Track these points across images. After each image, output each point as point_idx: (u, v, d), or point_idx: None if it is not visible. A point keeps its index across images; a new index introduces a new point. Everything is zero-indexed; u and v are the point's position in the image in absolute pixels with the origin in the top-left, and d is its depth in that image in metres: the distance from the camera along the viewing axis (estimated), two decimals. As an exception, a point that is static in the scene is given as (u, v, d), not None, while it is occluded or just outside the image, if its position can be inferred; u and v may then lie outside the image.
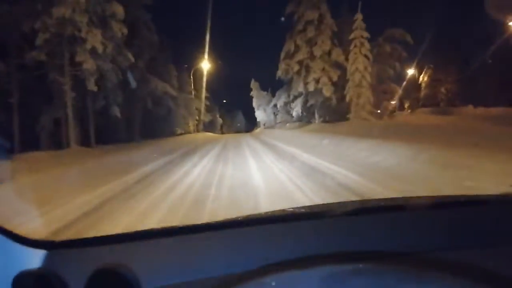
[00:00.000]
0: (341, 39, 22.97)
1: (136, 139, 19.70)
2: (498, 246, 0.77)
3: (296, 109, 25.19)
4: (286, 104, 29.06)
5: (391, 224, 0.87)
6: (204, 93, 41.47)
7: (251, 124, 78.34)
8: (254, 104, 42.47)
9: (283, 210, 1.05)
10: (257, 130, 41.10)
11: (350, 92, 20.96)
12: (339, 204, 1.30)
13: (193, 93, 38.29)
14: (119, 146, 13.46)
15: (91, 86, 10.82)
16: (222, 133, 67.69)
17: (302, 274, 0.57)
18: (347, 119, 21.26)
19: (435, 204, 1.01)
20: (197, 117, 43.59)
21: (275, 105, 38.19)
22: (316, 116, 23.67)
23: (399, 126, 15.78)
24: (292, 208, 1.05)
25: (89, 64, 10.33)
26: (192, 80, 37.60)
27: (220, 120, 65.18)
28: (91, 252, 0.84)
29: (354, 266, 0.56)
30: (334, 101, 22.22)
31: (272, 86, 40.89)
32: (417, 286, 0.47)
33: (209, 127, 58.43)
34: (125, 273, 0.66)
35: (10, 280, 0.69)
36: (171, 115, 26.39)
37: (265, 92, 42.04)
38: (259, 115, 42.36)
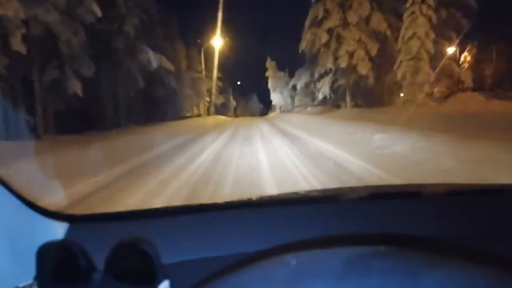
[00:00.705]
0: (381, 3, 18.10)
1: (122, 124, 15.72)
2: None
3: (323, 89, 19.77)
4: (307, 85, 24.45)
5: (405, 210, 0.87)
6: (215, 73, 37.26)
7: (265, 107, 74.03)
8: (270, 85, 37.92)
9: (296, 192, 1.07)
10: (273, 114, 36.72)
11: (402, 67, 15.69)
12: (352, 188, 1.25)
13: (203, 72, 34.16)
14: (79, 137, 9.49)
15: (17, 45, 6.88)
16: (236, 116, 63.74)
17: (322, 254, 0.55)
18: (385, 104, 16.75)
19: (450, 192, 1.01)
20: (208, 99, 39.84)
21: (293, 87, 33.62)
22: (348, 99, 19.01)
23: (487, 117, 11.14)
24: (306, 191, 1.14)
25: (10, 9, 6.36)
26: (203, 58, 33.35)
27: (233, 103, 61.22)
28: (112, 226, 0.85)
29: (374, 248, 0.54)
30: (371, 81, 17.49)
31: (290, 66, 36.07)
32: (440, 270, 0.44)
33: (222, 110, 54.53)
34: (146, 247, 0.65)
35: (34, 252, 0.69)
36: (174, 96, 22.39)
37: (282, 73, 37.38)
38: (275, 97, 37.87)
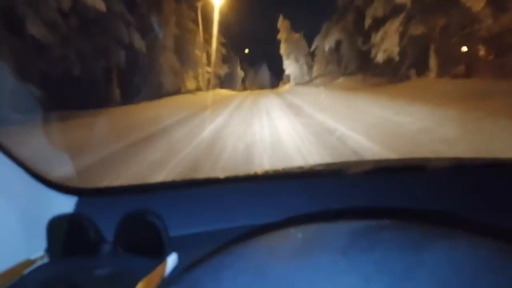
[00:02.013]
0: None
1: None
2: None
3: (385, 45, 10.71)
4: (339, 44, 17.05)
5: (410, 184, 0.86)
6: (215, 36, 30.08)
7: (276, 78, 66.66)
8: (282, 51, 30.53)
9: (301, 167, 1.08)
10: (286, 87, 29.70)
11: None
12: (357, 162, 1.18)
13: (201, 35, 27.05)
14: None
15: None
16: (245, 88, 57.50)
17: (328, 227, 0.54)
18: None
19: (454, 166, 1.00)
20: (208, 69, 33.10)
21: (311, 53, 26.41)
22: (433, 62, 9.97)
23: None
24: (310, 165, 1.11)
25: None
26: (200, 17, 26.16)
27: (241, 74, 54.08)
28: (121, 199, 0.85)
29: (379, 221, 0.54)
30: (488, 25, 8.40)
31: (308, 26, 28.59)
32: (446, 242, 0.45)
33: (227, 81, 47.53)
34: (154, 220, 0.65)
35: (45, 224, 0.69)
36: (149, 64, 15.77)
37: (298, 35, 29.86)
38: (289, 66, 30.59)
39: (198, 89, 30.15)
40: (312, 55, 30.45)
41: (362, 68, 15.71)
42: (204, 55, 33.81)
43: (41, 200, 0.75)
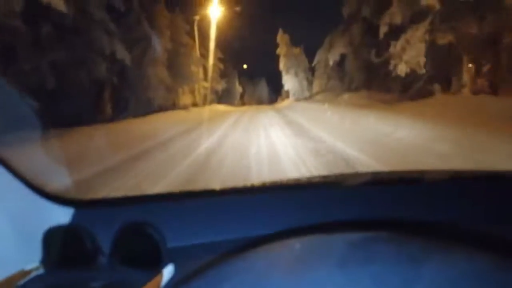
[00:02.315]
0: None
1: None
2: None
3: (410, 54, 8.75)
4: (344, 58, 15.76)
5: (407, 196, 0.86)
6: (212, 50, 29.10)
7: (275, 94, 65.98)
8: (282, 65, 29.44)
9: (298, 179, 1.04)
10: (285, 103, 28.47)
11: None
12: (354, 174, 1.17)
13: (197, 50, 26.04)
14: None
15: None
16: (243, 104, 56.68)
17: (326, 239, 0.54)
18: None
19: (451, 178, 0.99)
20: (205, 84, 32.03)
21: (312, 68, 25.34)
22: (466, 75, 8.43)
23: None
24: (307, 177, 1.17)
25: None
26: (196, 32, 25.20)
27: (239, 89, 53.21)
28: (118, 210, 0.84)
29: (377, 233, 0.54)
30: None
31: (308, 40, 27.63)
32: (443, 255, 0.44)
33: (225, 96, 46.57)
34: (151, 231, 0.65)
35: (40, 236, 0.69)
36: (138, 78, 14.44)
37: (298, 49, 28.83)
38: (288, 81, 29.45)
39: (195, 104, 29.08)
40: (312, 70, 29.41)
41: (368, 83, 14.41)
42: (201, 70, 32.80)
43: (37, 211, 0.74)
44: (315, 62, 22.29)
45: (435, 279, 0.39)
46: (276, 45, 29.51)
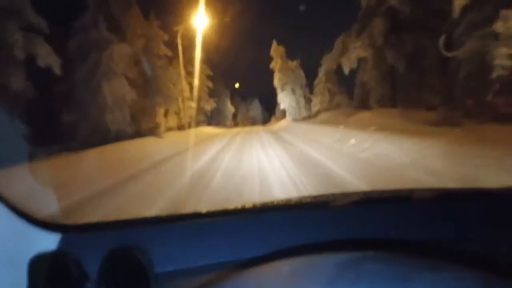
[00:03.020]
0: None
1: None
2: (502, 238, 0.75)
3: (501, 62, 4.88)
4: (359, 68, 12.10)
5: (397, 215, 0.85)
6: (198, 65, 25.69)
7: (269, 113, 62.89)
8: (276, 81, 25.94)
9: (289, 199, 1.03)
10: (283, 124, 24.75)
11: None
12: (344, 194, 1.15)
13: (181, 65, 22.57)
14: None
15: None
16: (236, 124, 53.18)
17: (315, 260, 0.54)
18: None
19: (440, 196, 0.99)
20: (191, 104, 28.40)
21: (309, 84, 22.03)
22: None
23: None
24: (298, 197, 1.07)
25: None
26: (180, 46, 21.83)
27: (231, 109, 49.87)
28: (105, 235, 0.82)
29: (365, 253, 0.54)
30: None
31: (305, 53, 24.43)
32: (432, 273, 0.45)
33: (216, 117, 42.96)
34: (139, 256, 0.64)
35: (26, 262, 0.67)
36: (72, 93, 10.63)
37: (294, 63, 25.48)
38: (284, 99, 25.87)
39: (181, 127, 25.40)
40: (309, 86, 25.97)
41: (392, 97, 10.79)
42: (187, 88, 29.19)
43: (24, 238, 0.73)
44: (321, 72, 18.71)
45: None
46: (269, 60, 26.16)
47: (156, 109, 18.74)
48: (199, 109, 32.51)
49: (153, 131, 20.73)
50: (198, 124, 32.49)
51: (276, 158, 6.92)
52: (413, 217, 0.84)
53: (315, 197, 1.11)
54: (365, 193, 1.26)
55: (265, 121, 56.53)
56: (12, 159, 5.29)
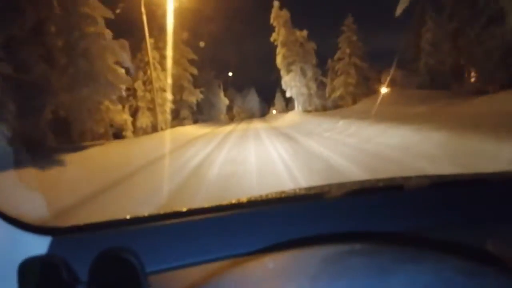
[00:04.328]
0: None
1: None
2: (497, 225, 0.75)
3: None
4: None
5: (389, 204, 0.84)
6: (170, 43, 18.93)
7: (267, 104, 56.26)
8: (280, 60, 18.75)
9: (282, 192, 1.01)
10: (290, 118, 17.75)
11: None
12: (338, 185, 1.11)
13: (147, 42, 15.83)
14: None
15: None
16: (231, 118, 46.89)
17: (299, 256, 0.55)
18: None
19: (434, 184, 0.97)
20: (168, 96, 21.78)
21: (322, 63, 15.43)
22: None
23: None
24: (292, 189, 1.04)
25: None
26: (144, 19, 15.03)
27: (225, 101, 42.89)
28: (95, 237, 0.82)
29: (351, 246, 0.55)
30: None
31: (316, 21, 17.12)
32: (413, 265, 0.46)
33: (207, 111, 35.90)
34: (129, 257, 0.64)
35: (16, 267, 0.67)
36: None
37: (303, 32, 18.36)
38: (291, 83, 18.73)
39: (155, 128, 19.10)
40: (321, 67, 19.16)
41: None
42: (163, 76, 22.34)
43: (12, 243, 0.73)
44: (343, 43, 11.56)
45: None
46: (269, 30, 19.00)
47: (96, 105, 11.83)
48: (181, 102, 25.52)
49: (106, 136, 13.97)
50: (182, 121, 25.59)
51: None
52: (405, 206, 0.83)
53: (309, 188, 1.08)
54: (359, 182, 1.21)
55: (264, 113, 50.01)
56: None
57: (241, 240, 0.75)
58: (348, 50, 14.88)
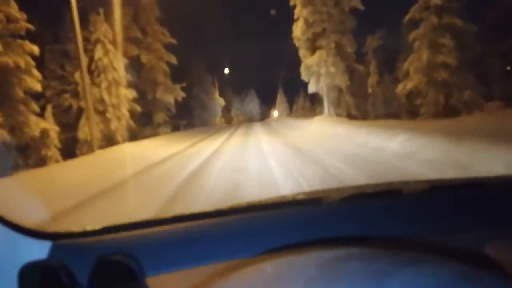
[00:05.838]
0: None
1: None
2: (495, 230, 0.75)
3: None
4: None
5: (388, 209, 0.84)
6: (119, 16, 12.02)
7: (267, 106, 49.60)
8: (301, 32, 11.15)
9: (281, 196, 1.03)
10: (325, 131, 10.23)
11: None
12: (338, 189, 1.11)
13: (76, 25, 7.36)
14: None
15: None
16: (230, 120, 41.13)
17: (297, 260, 0.55)
18: None
19: (432, 188, 0.96)
20: (128, 93, 14.08)
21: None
22: None
23: None
24: (292, 194, 1.05)
25: None
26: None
27: (220, 101, 35.99)
28: (95, 242, 0.82)
29: (348, 251, 0.55)
30: None
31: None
32: (411, 269, 0.45)
33: (199, 114, 29.04)
34: (129, 261, 0.64)
35: (16, 272, 0.67)
36: None
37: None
38: (319, 68, 11.11)
39: (111, 141, 11.53)
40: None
41: None
42: (117, 62, 14.77)
43: (11, 247, 0.73)
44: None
45: None
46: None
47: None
48: (154, 102, 17.97)
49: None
50: (155, 128, 18.04)
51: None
52: (403, 210, 0.82)
53: (308, 193, 1.08)
54: (359, 187, 1.16)
55: (264, 116, 43.86)
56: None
57: (239, 244, 0.75)
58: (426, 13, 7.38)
